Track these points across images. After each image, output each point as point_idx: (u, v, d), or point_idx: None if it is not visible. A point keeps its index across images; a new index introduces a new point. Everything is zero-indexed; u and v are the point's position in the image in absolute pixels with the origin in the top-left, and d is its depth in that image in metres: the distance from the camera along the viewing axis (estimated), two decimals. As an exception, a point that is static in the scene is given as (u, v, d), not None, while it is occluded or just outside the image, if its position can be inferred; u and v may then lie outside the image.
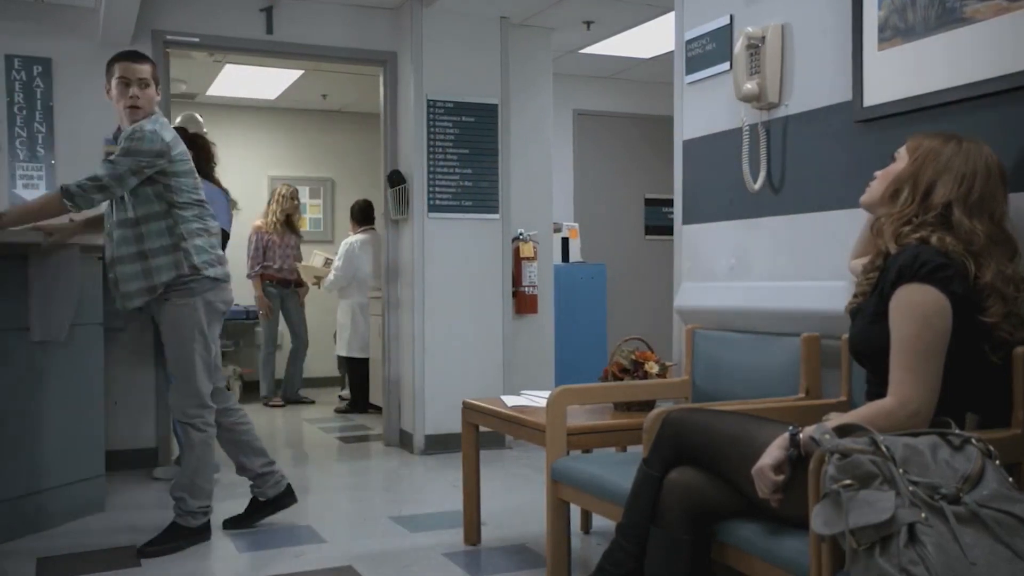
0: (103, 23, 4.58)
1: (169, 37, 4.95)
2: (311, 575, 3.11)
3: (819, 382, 2.66)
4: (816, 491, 1.69)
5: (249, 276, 7.04)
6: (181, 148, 3.39)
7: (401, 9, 5.37)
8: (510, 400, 3.38)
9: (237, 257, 6.23)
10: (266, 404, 7.28)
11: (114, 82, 3.36)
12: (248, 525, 3.65)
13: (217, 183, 4.61)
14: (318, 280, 7.21)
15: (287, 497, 3.72)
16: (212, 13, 5.05)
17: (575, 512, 3.30)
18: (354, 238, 7.03)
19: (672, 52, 3.56)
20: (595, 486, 2.59)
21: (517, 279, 5.59)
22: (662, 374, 3.21)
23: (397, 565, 3.21)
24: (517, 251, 5.59)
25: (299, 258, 7.27)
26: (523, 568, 3.19)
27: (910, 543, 1.49)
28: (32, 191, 4.70)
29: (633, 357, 3.26)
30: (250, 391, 7.58)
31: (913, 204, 1.99)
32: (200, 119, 5.37)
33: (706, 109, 3.30)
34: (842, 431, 1.72)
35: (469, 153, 5.33)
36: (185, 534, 3.40)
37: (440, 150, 5.28)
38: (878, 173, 2.15)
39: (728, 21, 3.17)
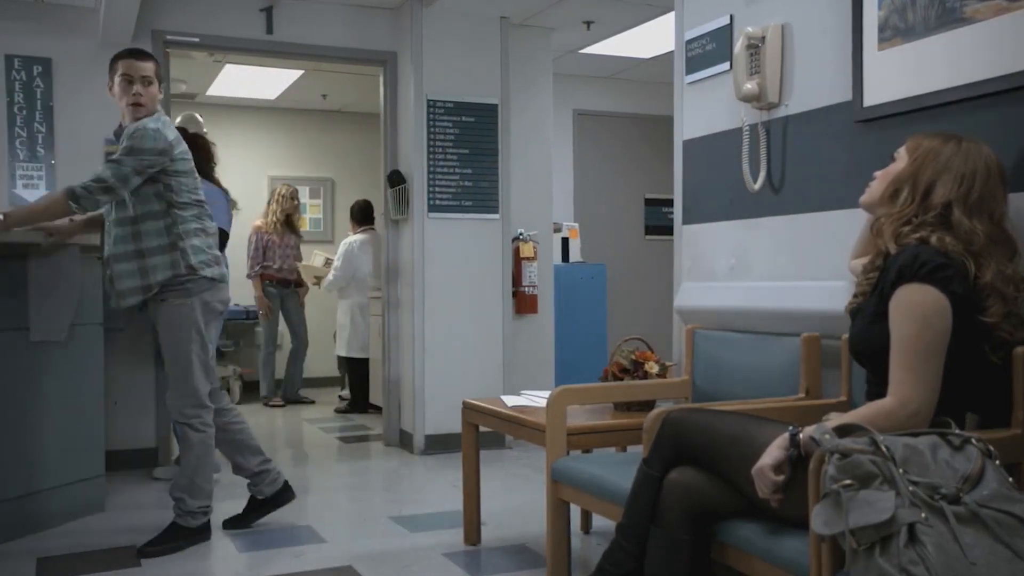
0: (103, 23, 4.58)
1: (169, 37, 4.95)
2: (311, 575, 3.11)
3: (819, 382, 2.66)
4: (816, 491, 1.69)
5: (249, 276, 7.05)
6: (183, 147, 3.40)
7: (401, 9, 5.37)
8: (510, 400, 3.38)
9: (237, 257, 6.24)
10: (266, 404, 7.28)
11: (117, 79, 3.36)
12: (247, 524, 3.65)
13: (217, 183, 4.61)
14: (318, 280, 7.21)
15: (285, 494, 3.72)
16: (212, 13, 5.05)
17: (575, 512, 3.30)
18: (353, 238, 7.03)
19: (672, 52, 3.56)
20: (595, 486, 2.59)
21: (517, 279, 5.59)
22: (662, 374, 3.21)
23: (397, 565, 3.21)
24: (517, 251, 5.59)
25: (299, 258, 7.27)
26: (523, 568, 3.19)
27: (910, 543, 1.50)
28: (32, 191, 4.70)
29: (633, 357, 3.26)
30: (250, 391, 7.59)
31: (913, 204, 1.99)
32: (200, 119, 5.37)
33: (706, 109, 3.30)
34: (842, 431, 1.72)
35: (469, 153, 5.33)
36: (185, 534, 3.40)
37: (440, 150, 5.28)
38: (878, 173, 2.15)
39: (728, 21, 3.17)
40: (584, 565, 3.14)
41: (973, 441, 1.65)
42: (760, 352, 2.83)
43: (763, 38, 2.93)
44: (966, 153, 1.98)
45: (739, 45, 2.97)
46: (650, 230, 7.50)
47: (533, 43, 5.74)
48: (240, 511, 3.68)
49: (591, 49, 6.46)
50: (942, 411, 1.83)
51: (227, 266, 4.40)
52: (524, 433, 3.04)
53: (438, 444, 5.22)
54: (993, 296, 1.89)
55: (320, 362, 7.99)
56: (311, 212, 8.64)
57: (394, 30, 5.45)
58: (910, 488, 1.55)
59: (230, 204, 4.80)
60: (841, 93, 2.70)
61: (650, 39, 6.17)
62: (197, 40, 5.06)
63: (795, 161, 2.89)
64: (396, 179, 5.39)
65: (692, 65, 3.35)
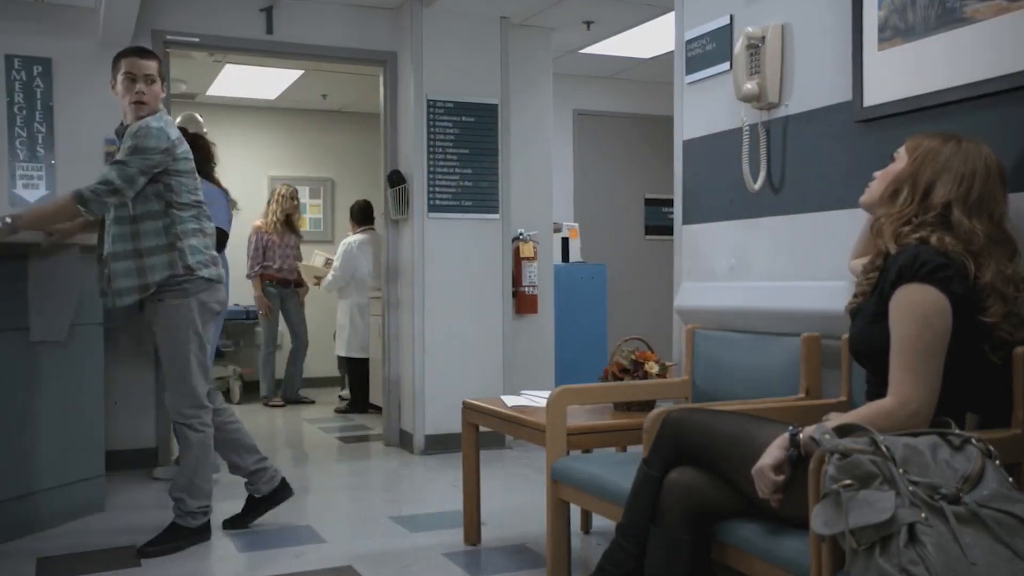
0: (103, 23, 4.58)
1: (169, 37, 4.95)
2: (311, 575, 3.11)
3: (819, 382, 2.66)
4: (816, 491, 1.69)
5: (249, 276, 7.05)
6: (185, 147, 3.40)
7: (401, 9, 5.37)
8: (510, 400, 3.38)
9: (237, 257, 6.24)
10: (266, 404, 7.28)
11: (120, 77, 3.36)
12: (247, 524, 3.65)
13: (217, 183, 4.61)
14: (318, 280, 7.21)
15: (283, 491, 3.71)
16: (212, 13, 5.05)
17: (575, 512, 3.30)
18: (352, 238, 7.03)
19: (672, 52, 3.56)
20: (595, 486, 2.59)
21: (517, 279, 5.59)
22: (662, 374, 3.21)
23: (397, 565, 3.21)
24: (517, 251, 5.59)
25: (299, 258, 7.27)
26: (523, 568, 3.19)
27: (910, 543, 1.49)
28: (32, 191, 4.70)
29: (633, 357, 3.26)
30: (250, 391, 7.59)
31: (912, 204, 1.99)
32: (200, 119, 5.37)
33: (706, 109, 3.30)
34: (842, 431, 1.72)
35: (469, 153, 5.33)
36: (185, 534, 3.40)
37: (440, 150, 5.28)
38: (877, 173, 2.15)
39: (728, 21, 3.17)
40: (584, 565, 3.14)
41: (973, 441, 1.65)
42: (760, 352, 2.83)
43: (763, 38, 2.93)
44: (966, 153, 1.97)
45: (739, 45, 2.97)
46: (650, 230, 7.50)
47: (533, 43, 5.75)
48: (239, 511, 3.68)
49: (591, 49, 6.46)
50: (942, 411, 1.83)
51: (227, 266, 4.41)
52: (524, 433, 3.04)
53: (438, 444, 5.22)
54: (993, 296, 1.89)
55: (320, 362, 7.99)
56: (311, 212, 8.64)
57: (394, 30, 5.45)
58: (910, 488, 1.55)
59: (230, 204, 4.80)
60: (841, 93, 2.70)
61: (650, 39, 6.17)
62: (197, 40, 5.06)
63: (795, 161, 2.89)
64: (396, 179, 5.39)
65: (692, 65, 3.35)
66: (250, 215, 7.14)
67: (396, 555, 3.32)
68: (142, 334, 4.68)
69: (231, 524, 3.64)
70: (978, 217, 1.93)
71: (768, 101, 2.94)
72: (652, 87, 7.19)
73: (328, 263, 7.26)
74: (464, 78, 5.33)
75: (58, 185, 4.73)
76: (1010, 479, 1.61)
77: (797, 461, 1.85)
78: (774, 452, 1.87)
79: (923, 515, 1.52)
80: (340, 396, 7.47)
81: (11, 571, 3.17)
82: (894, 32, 2.50)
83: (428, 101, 5.25)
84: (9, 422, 3.50)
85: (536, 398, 3.32)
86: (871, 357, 2.01)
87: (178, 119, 5.34)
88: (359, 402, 6.97)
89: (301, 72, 7.14)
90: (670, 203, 3.62)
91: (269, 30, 5.16)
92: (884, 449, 1.61)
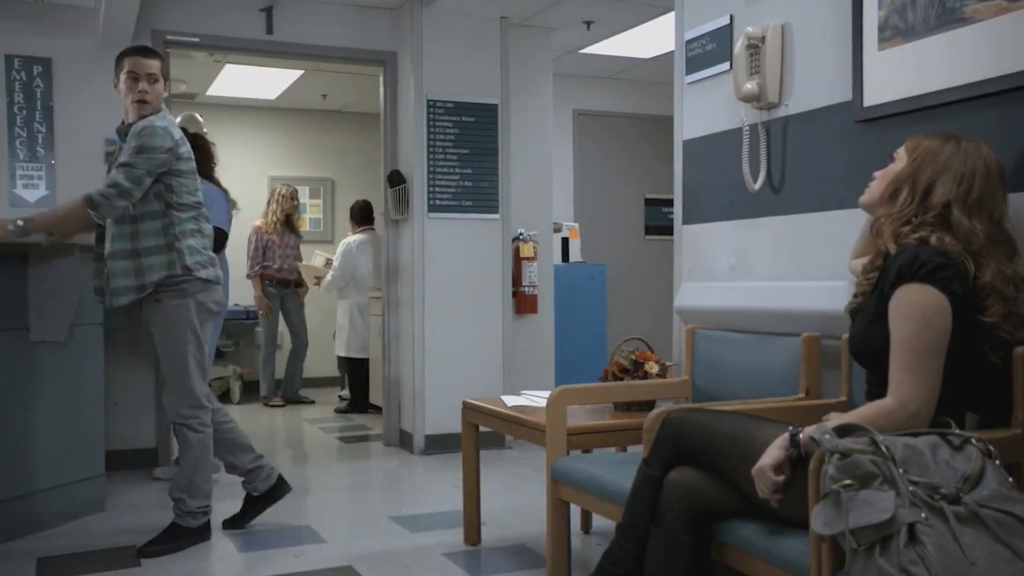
0: (103, 23, 4.58)
1: (169, 37, 4.95)
2: (311, 575, 3.11)
3: (819, 382, 2.66)
4: (816, 491, 1.69)
5: (249, 276, 7.05)
6: (187, 147, 3.40)
7: (401, 9, 5.37)
8: (510, 400, 3.38)
9: (237, 257, 6.24)
10: (266, 404, 7.28)
11: (123, 76, 3.36)
12: (246, 523, 3.65)
13: (217, 183, 4.61)
14: (319, 280, 7.21)
15: (280, 488, 3.71)
16: (212, 13, 5.05)
17: (575, 512, 3.30)
18: (352, 238, 7.03)
19: (672, 52, 3.56)
20: (595, 486, 2.59)
21: (517, 279, 5.59)
22: (662, 374, 3.21)
23: (397, 565, 3.21)
24: (517, 251, 5.59)
25: (299, 258, 7.27)
26: (523, 568, 3.19)
27: (910, 543, 1.49)
28: (32, 191, 4.70)
29: (633, 357, 3.26)
30: (250, 391, 7.59)
31: (912, 204, 1.99)
32: (200, 119, 5.37)
33: (706, 109, 3.30)
34: (842, 431, 1.72)
35: (469, 153, 5.33)
36: (185, 534, 3.40)
37: (440, 150, 5.28)
38: (877, 173, 2.15)
39: (728, 21, 3.17)
40: (584, 565, 3.14)
41: (973, 441, 1.65)
42: (760, 352, 2.83)
43: (763, 38, 2.93)
44: (965, 153, 1.98)
45: (739, 45, 2.97)
46: (650, 230, 7.50)
47: (533, 43, 5.74)
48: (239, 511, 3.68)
49: (591, 49, 6.46)
50: (942, 411, 1.83)
51: (227, 266, 4.41)
52: (524, 433, 3.04)
53: (438, 444, 5.22)
54: (993, 296, 1.89)
55: (320, 362, 7.99)
56: (311, 212, 8.64)
57: (394, 30, 5.45)
58: (910, 488, 1.55)
59: (230, 204, 4.81)
60: (841, 93, 2.70)
61: (650, 39, 6.17)
62: (197, 40, 5.06)
63: (795, 161, 2.89)
64: (396, 179, 5.39)
65: (692, 65, 3.35)
66: (250, 215, 7.14)
67: (396, 555, 3.32)
68: (141, 334, 4.67)
69: (231, 524, 3.64)
70: (978, 217, 1.93)
71: (768, 101, 2.94)
72: (652, 87, 7.19)
73: (328, 263, 7.26)
74: (464, 78, 5.33)
75: (58, 185, 4.73)
76: (1010, 479, 1.61)
77: (797, 461, 1.85)
78: (774, 452, 1.87)
79: (923, 515, 1.52)
80: (340, 396, 7.47)
81: (11, 571, 3.17)
82: (894, 32, 2.50)
83: (428, 101, 5.25)
84: (9, 422, 3.50)
85: (536, 398, 3.32)
86: (871, 357, 2.01)
87: (178, 119, 5.33)
88: (359, 402, 6.97)
89: (301, 72, 7.14)
90: (670, 203, 3.62)
91: (269, 30, 5.16)
92: (884, 449, 1.61)
